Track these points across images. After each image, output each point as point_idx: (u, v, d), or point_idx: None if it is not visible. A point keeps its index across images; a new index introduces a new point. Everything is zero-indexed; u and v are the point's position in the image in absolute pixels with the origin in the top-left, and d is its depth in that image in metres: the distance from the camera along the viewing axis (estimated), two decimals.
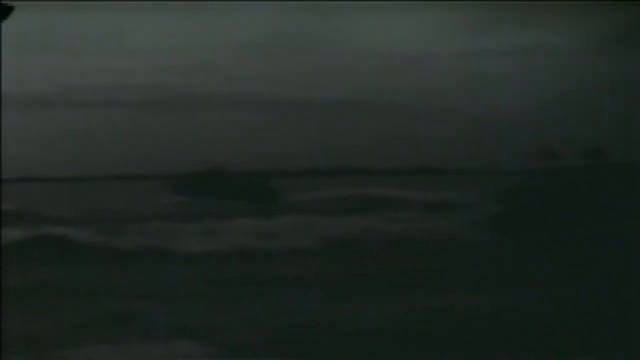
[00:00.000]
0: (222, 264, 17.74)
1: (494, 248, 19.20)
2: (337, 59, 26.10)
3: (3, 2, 6.92)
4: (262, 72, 26.77)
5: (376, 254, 18.88)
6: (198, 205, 26.17)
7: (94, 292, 13.32)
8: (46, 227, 21.78)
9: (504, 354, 9.76)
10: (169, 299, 13.16)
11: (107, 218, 23.31)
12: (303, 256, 18.85)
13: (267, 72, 26.90)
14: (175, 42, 25.50)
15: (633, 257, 16.11)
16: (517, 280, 14.42)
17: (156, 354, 9.32)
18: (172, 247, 20.38)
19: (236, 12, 25.34)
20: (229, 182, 26.13)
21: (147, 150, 25.99)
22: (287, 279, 15.50)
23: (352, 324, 10.63)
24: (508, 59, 25.76)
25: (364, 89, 25.25)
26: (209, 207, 24.22)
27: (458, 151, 28.09)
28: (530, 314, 11.47)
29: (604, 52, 24.64)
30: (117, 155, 26.41)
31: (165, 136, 26.18)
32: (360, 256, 18.63)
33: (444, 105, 26.06)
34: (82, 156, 25.17)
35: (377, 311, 11.44)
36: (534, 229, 21.76)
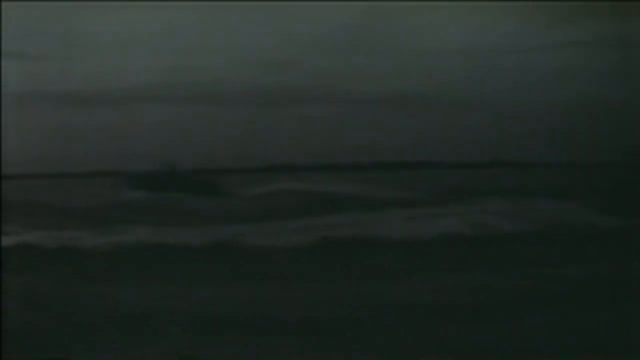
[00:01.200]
0: None
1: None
2: (413, 55, 26.01)
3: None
4: (336, 67, 26.79)
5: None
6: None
7: None
8: None
9: None
10: None
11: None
12: None
13: (340, 68, 26.88)
14: (252, 39, 25.72)
15: None
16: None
17: None
18: None
19: (312, 9, 25.41)
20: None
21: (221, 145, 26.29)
22: None
23: None
24: (588, 51, 25.27)
25: (442, 84, 25.12)
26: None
27: (541, 145, 27.71)
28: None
29: None
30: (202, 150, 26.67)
31: (242, 130, 26.44)
32: None
33: (525, 99, 25.76)
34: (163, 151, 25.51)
35: None
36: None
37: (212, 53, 25.35)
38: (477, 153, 30.88)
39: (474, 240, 18.28)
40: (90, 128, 24.45)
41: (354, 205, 25.84)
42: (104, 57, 24.47)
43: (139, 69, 25.24)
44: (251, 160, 28.31)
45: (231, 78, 25.86)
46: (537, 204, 26.24)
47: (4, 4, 18.52)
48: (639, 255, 17.05)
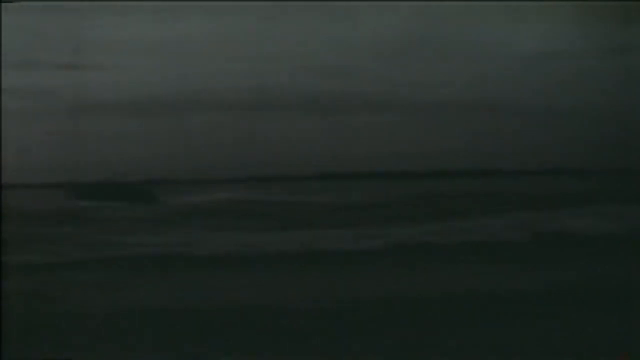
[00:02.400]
0: None
1: None
2: (471, 61, 25.90)
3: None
4: (392, 74, 26.79)
5: None
6: None
7: None
8: None
9: None
10: None
11: None
12: None
13: (397, 75, 26.89)
14: (306, 45, 25.87)
15: None
16: None
17: None
18: None
19: (367, 14, 25.45)
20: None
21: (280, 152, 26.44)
22: None
23: None
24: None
25: (497, 91, 24.93)
26: None
27: (595, 151, 27.37)
28: None
29: None
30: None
31: (297, 139, 26.56)
32: None
33: (579, 104, 25.45)
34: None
35: None
36: None
37: (263, 60, 25.41)
38: (543, 160, 30.67)
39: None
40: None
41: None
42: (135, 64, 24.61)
43: (179, 76, 25.48)
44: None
45: (283, 85, 25.93)
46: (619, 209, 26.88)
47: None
48: None
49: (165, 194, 30.07)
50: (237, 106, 26.43)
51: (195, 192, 31.43)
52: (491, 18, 23.94)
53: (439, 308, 10.90)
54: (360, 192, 31.36)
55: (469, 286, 13.04)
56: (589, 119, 25.79)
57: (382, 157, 27.08)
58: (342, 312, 10.38)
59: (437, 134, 26.49)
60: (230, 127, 25.90)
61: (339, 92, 26.83)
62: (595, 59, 25.38)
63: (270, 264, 15.51)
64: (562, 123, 25.05)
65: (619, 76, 24.98)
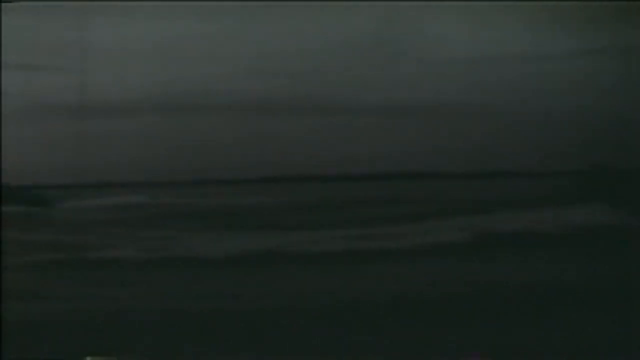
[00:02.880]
0: None
1: None
2: (434, 63, 26.34)
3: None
4: (345, 76, 27.26)
5: None
6: None
7: None
8: None
9: None
10: None
11: None
12: None
13: (350, 77, 27.36)
14: (262, 47, 26.16)
15: None
16: None
17: None
18: None
19: (323, 16, 25.87)
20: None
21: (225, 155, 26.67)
22: None
23: None
24: (612, 59, 25.63)
25: (457, 94, 25.26)
26: None
27: (563, 154, 28.11)
28: None
29: None
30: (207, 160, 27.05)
31: (245, 141, 26.89)
32: None
33: (545, 107, 26.01)
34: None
35: None
36: None
37: (215, 62, 25.65)
38: (484, 163, 31.18)
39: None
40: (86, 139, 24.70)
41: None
42: (104, 67, 24.71)
43: (139, 79, 25.66)
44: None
45: (233, 87, 26.13)
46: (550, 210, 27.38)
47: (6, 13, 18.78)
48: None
49: (67, 198, 29.80)
50: (174, 109, 26.50)
51: (98, 196, 31.26)
52: (446, 20, 24.15)
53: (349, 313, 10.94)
54: (289, 194, 31.55)
55: (398, 290, 13.12)
56: (535, 122, 26.20)
57: (321, 160, 27.32)
58: (222, 316, 10.38)
59: (382, 136, 26.85)
60: (159, 131, 25.96)
61: (286, 94, 26.99)
62: (547, 62, 25.83)
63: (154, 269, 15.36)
64: (510, 126, 25.45)
65: (571, 79, 25.45)
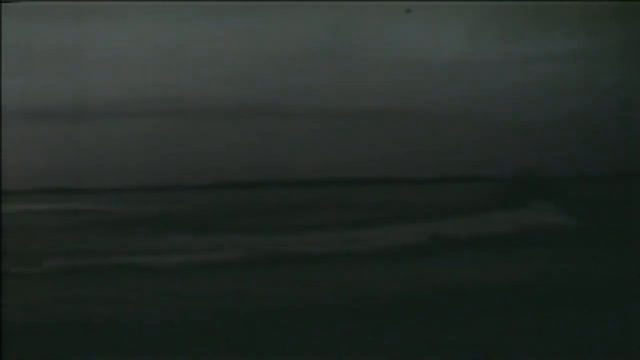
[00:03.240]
0: None
1: None
2: (376, 69, 26.37)
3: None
4: (298, 82, 27.08)
5: None
6: None
7: None
8: None
9: None
10: None
11: None
12: None
13: (303, 83, 27.18)
14: (211, 51, 25.97)
15: None
16: None
17: None
18: None
19: (275, 20, 25.67)
20: None
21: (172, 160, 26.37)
22: None
23: None
24: (548, 66, 25.82)
25: (401, 99, 25.41)
26: None
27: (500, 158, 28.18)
28: None
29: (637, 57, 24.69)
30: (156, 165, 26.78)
31: (196, 146, 26.56)
32: None
33: (483, 113, 26.17)
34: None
35: None
36: None
37: (179, 68, 25.38)
38: (449, 168, 31.21)
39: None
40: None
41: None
42: (72, 72, 24.50)
43: (105, 83, 25.28)
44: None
45: (188, 92, 25.83)
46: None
47: None
48: None
49: None
50: (118, 114, 26.30)
51: (24, 201, 31.39)
52: (404, 26, 24.42)
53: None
54: (236, 199, 31.86)
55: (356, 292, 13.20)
56: (489, 127, 26.51)
57: (266, 165, 27.26)
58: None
59: (330, 142, 26.85)
60: (93, 135, 25.74)
61: (235, 99, 26.95)
62: (502, 67, 26.13)
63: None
64: (463, 131, 25.68)
65: (526, 85, 25.75)
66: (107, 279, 15.65)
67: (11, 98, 22.32)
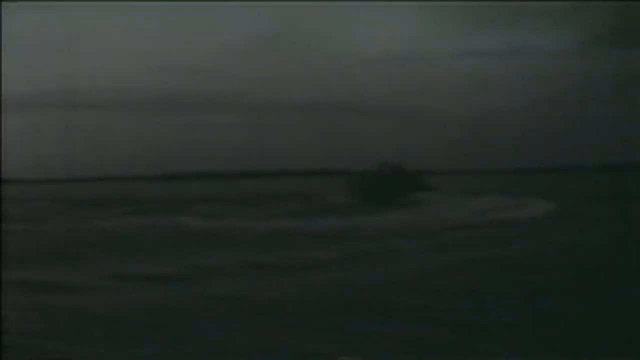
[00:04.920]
0: None
1: None
2: (324, 62, 25.97)
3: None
4: (246, 75, 26.60)
5: None
6: None
7: None
8: None
9: None
10: None
11: None
12: None
13: (251, 75, 26.73)
14: (161, 45, 25.28)
15: None
16: None
17: None
18: None
19: (224, 14, 25.11)
20: None
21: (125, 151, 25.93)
22: None
23: None
24: (499, 60, 25.70)
25: (349, 92, 25.09)
26: None
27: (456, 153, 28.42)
28: None
29: (592, 53, 24.85)
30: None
31: (148, 138, 26.03)
32: None
33: (433, 107, 26.03)
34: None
35: None
36: None
37: (120, 58, 24.68)
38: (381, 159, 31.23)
39: None
40: None
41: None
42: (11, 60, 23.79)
43: (41, 73, 24.51)
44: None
45: (137, 84, 25.15)
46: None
47: None
48: None
49: None
50: (59, 106, 25.34)
51: None
52: (350, 20, 23.94)
53: None
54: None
55: None
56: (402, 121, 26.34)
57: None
58: None
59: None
60: (39, 126, 24.97)
61: (184, 92, 26.09)
62: (443, 62, 25.84)
63: None
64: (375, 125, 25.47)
65: (466, 79, 25.53)
66: None
67: None
